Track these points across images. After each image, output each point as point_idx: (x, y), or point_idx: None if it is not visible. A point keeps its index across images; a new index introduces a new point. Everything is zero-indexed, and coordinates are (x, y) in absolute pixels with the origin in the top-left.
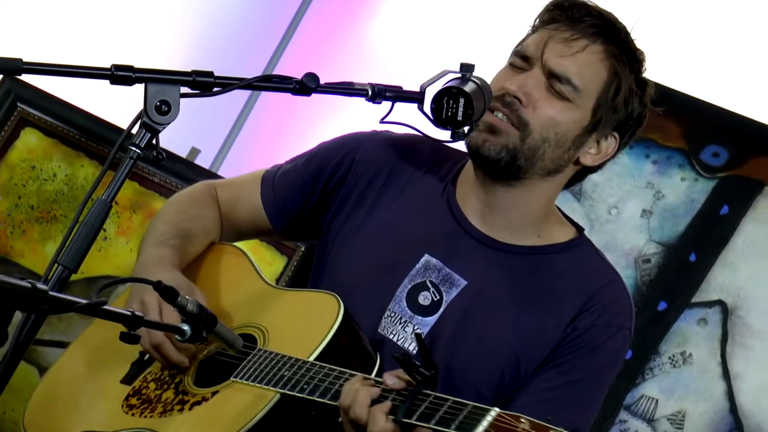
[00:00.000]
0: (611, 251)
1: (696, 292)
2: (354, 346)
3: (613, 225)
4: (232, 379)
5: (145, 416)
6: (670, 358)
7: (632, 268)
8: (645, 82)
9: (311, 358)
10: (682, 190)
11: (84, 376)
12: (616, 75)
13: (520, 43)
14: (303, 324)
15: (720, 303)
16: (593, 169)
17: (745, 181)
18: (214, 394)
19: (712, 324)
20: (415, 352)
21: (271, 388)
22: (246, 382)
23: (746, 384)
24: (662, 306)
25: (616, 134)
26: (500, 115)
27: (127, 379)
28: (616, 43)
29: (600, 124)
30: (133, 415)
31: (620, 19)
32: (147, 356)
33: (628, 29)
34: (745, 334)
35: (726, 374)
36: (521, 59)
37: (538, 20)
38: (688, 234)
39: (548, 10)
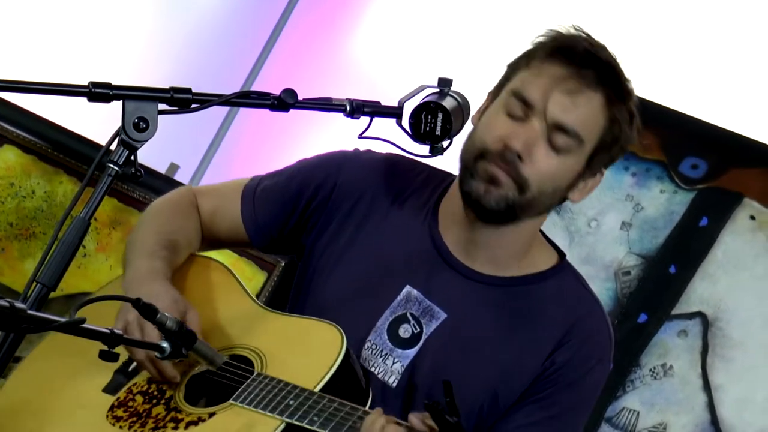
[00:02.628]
0: (591, 264)
1: (676, 304)
2: (352, 380)
3: (592, 237)
4: (231, 401)
5: (135, 430)
6: (650, 370)
7: (612, 280)
8: (633, 114)
9: (316, 389)
10: (662, 202)
11: (58, 383)
12: (615, 121)
13: (517, 82)
14: (305, 352)
15: (700, 315)
16: None
17: (724, 193)
18: (211, 415)
19: (693, 336)
20: (395, 385)
21: (276, 417)
22: (247, 407)
23: (727, 396)
24: (642, 318)
25: (603, 169)
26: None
27: (111, 389)
28: (616, 88)
29: (592, 167)
30: (120, 427)
31: (612, 51)
32: (132, 367)
33: (620, 64)
34: (725, 345)
35: (707, 386)
36: (522, 104)
37: (537, 57)
38: (667, 246)
39: (551, 52)
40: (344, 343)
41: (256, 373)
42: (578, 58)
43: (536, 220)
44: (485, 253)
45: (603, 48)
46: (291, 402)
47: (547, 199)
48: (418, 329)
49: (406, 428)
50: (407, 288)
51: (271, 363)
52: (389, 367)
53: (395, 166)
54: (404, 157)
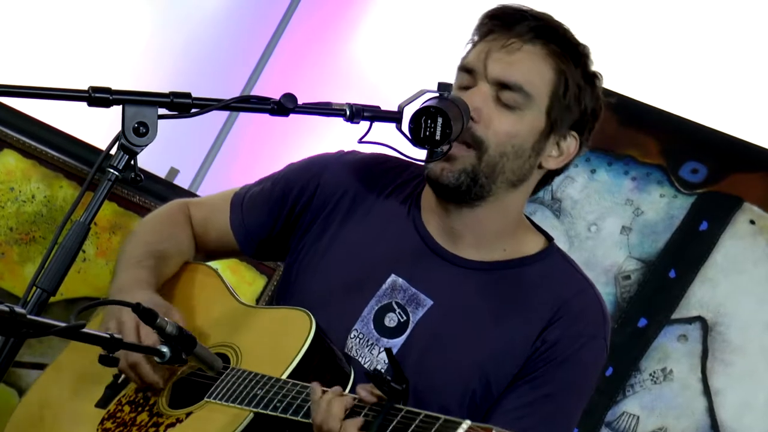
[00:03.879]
0: (591, 268)
1: (676, 308)
2: (327, 362)
3: (592, 242)
4: (206, 399)
5: None
6: (650, 374)
7: (612, 284)
8: (593, 75)
9: (284, 376)
10: (662, 207)
11: (60, 401)
12: (562, 73)
13: (463, 59)
14: (275, 341)
15: (700, 319)
16: (558, 172)
17: (724, 198)
18: (188, 415)
19: (693, 340)
20: (384, 370)
21: (245, 408)
22: (220, 402)
23: (727, 400)
24: (642, 322)
25: (574, 133)
26: None
27: (102, 403)
28: (556, 41)
29: (556, 125)
30: None
31: (558, 18)
32: (121, 379)
33: (566, 26)
34: (725, 350)
35: (707, 390)
36: (467, 74)
37: (475, 34)
38: (667, 250)
39: (483, 22)
40: (312, 327)
41: (230, 368)
42: (511, 18)
43: (514, 194)
44: (467, 237)
45: (539, 11)
46: (258, 392)
47: (511, 161)
48: (405, 317)
49: (353, 400)
50: (392, 277)
51: (245, 356)
52: (375, 356)
53: (378, 164)
54: (389, 155)
